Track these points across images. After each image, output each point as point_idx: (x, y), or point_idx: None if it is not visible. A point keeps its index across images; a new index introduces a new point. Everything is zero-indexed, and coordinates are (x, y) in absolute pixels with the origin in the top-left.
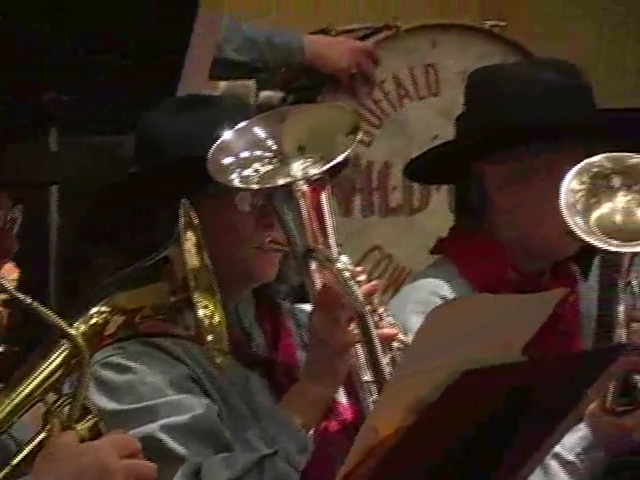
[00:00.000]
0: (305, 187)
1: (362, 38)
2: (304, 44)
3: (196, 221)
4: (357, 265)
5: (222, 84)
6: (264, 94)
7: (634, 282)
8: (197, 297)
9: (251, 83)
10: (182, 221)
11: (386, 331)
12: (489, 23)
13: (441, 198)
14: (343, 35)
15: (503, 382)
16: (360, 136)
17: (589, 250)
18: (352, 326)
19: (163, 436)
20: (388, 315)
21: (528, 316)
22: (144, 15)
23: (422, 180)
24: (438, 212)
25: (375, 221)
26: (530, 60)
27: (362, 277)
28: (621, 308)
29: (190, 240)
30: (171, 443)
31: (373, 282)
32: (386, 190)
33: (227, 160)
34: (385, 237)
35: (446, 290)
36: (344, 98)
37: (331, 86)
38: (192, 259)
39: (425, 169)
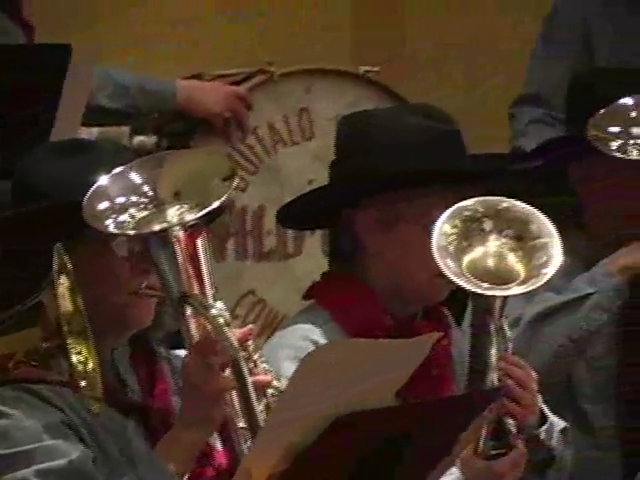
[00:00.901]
0: (181, 233)
1: (236, 83)
2: (177, 89)
3: (69, 266)
4: (232, 310)
5: (95, 130)
6: (137, 139)
7: (505, 325)
8: (70, 342)
9: (125, 128)
10: (55, 266)
11: (260, 378)
12: (363, 68)
13: (315, 243)
14: (217, 80)
15: (377, 427)
16: (236, 182)
17: (461, 294)
18: (227, 372)
19: None
20: (263, 361)
21: (401, 361)
22: (16, 68)
23: (295, 226)
24: (312, 257)
25: (249, 265)
26: (402, 105)
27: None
28: (493, 352)
29: (63, 285)
30: None
31: (247, 327)
32: (260, 234)
33: (103, 205)
34: (259, 282)
35: (318, 335)
36: (218, 143)
37: (204, 131)
38: (65, 304)
39: (298, 215)
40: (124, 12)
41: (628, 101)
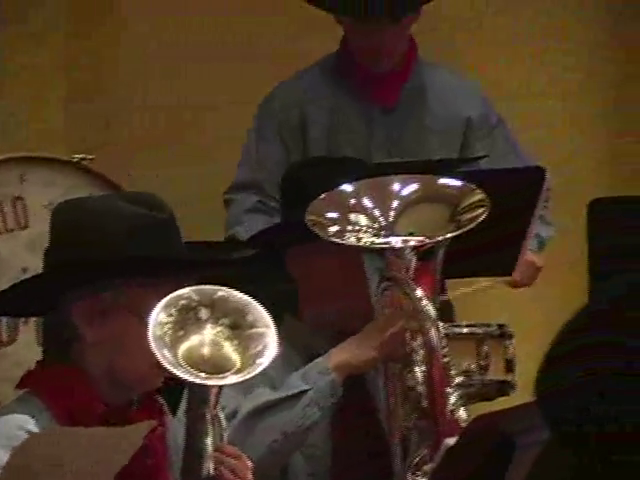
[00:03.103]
0: None
1: None
2: None
3: None
4: None
5: None
6: None
7: (221, 414)
8: None
9: None
10: None
11: None
12: (77, 156)
13: (29, 331)
14: None
15: None
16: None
17: (177, 382)
18: None
19: None
20: None
21: (116, 449)
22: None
23: (8, 314)
24: (26, 345)
25: None
26: (116, 193)
27: None
28: (209, 441)
29: None
30: None
31: None
32: None
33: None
34: None
35: (31, 424)
36: None
37: None
38: None
39: (11, 303)
40: None
41: (347, 187)
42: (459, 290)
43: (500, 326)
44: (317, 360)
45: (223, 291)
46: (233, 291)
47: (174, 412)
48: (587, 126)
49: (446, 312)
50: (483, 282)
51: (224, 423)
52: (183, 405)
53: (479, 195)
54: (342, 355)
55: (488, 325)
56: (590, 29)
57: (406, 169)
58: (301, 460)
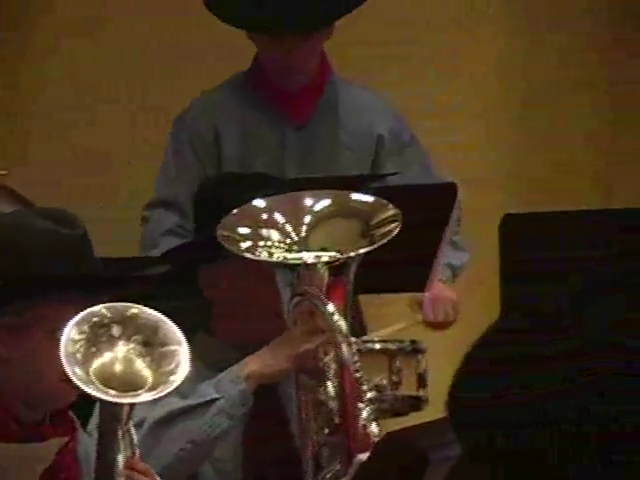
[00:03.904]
0: None
1: None
2: None
3: None
4: None
5: None
6: None
7: (133, 430)
8: None
9: None
10: None
11: None
12: None
13: None
14: None
15: None
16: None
17: (89, 399)
18: None
19: None
20: None
21: (27, 465)
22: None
23: None
24: None
25: None
26: (29, 209)
27: None
28: (120, 457)
29: None
30: None
31: None
32: None
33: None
34: None
35: None
36: None
37: None
38: None
39: None
40: None
41: (259, 203)
42: (378, 332)
43: (412, 342)
44: (230, 369)
45: (136, 308)
46: (146, 308)
47: (85, 427)
48: (499, 143)
49: (359, 327)
50: (402, 323)
51: (135, 438)
52: (95, 419)
53: (391, 210)
54: (254, 365)
55: (401, 341)
56: (504, 46)
57: (319, 185)
58: (211, 472)
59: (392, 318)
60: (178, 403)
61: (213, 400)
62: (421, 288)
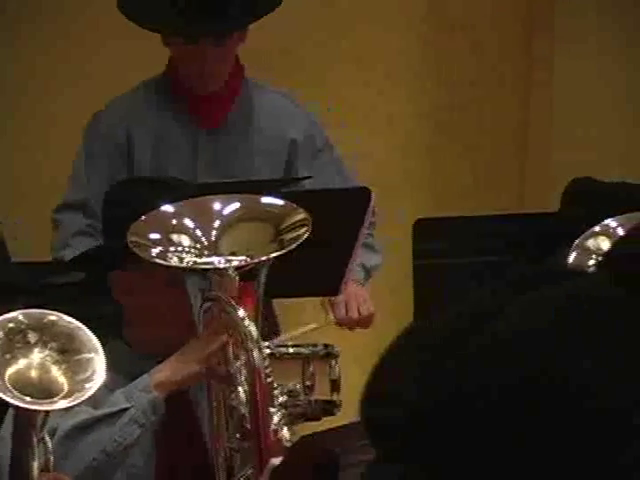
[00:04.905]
0: None
1: None
2: None
3: None
4: None
5: None
6: None
7: (47, 438)
8: None
9: None
10: None
11: None
12: None
13: None
14: None
15: None
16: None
17: (1, 405)
18: None
19: None
20: None
21: None
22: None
23: None
24: None
25: None
26: None
27: None
28: (35, 464)
29: None
30: None
31: None
32: None
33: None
34: None
35: None
36: None
37: None
38: None
39: None
40: None
41: (168, 208)
42: (289, 333)
43: (326, 346)
44: (140, 377)
45: (53, 315)
46: (62, 315)
47: None
48: (411, 149)
49: (272, 331)
50: (314, 324)
51: (50, 446)
52: (7, 426)
53: (301, 214)
54: (164, 372)
55: (314, 345)
56: (412, 59)
57: (229, 189)
58: (125, 478)
59: (305, 319)
60: (89, 412)
61: (124, 410)
62: (334, 292)
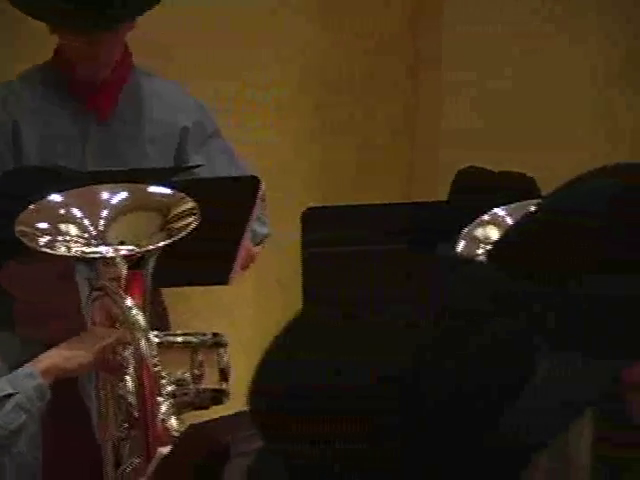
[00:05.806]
0: None
1: None
2: None
3: None
4: None
5: None
6: None
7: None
8: None
9: None
10: None
11: None
12: None
13: None
14: None
15: None
16: None
17: None
18: None
19: None
20: None
21: None
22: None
23: None
24: None
25: None
26: None
27: None
28: None
29: None
30: None
31: None
32: None
33: None
34: None
35: None
36: None
37: None
38: None
39: None
40: None
41: (56, 197)
42: None
43: (215, 335)
44: (26, 364)
45: None
46: None
47: None
48: (300, 137)
49: (161, 320)
50: None
51: None
52: None
53: (189, 203)
54: (51, 359)
55: (203, 334)
56: (304, 42)
57: (121, 177)
58: (12, 468)
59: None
60: None
61: (8, 395)
62: (224, 281)
